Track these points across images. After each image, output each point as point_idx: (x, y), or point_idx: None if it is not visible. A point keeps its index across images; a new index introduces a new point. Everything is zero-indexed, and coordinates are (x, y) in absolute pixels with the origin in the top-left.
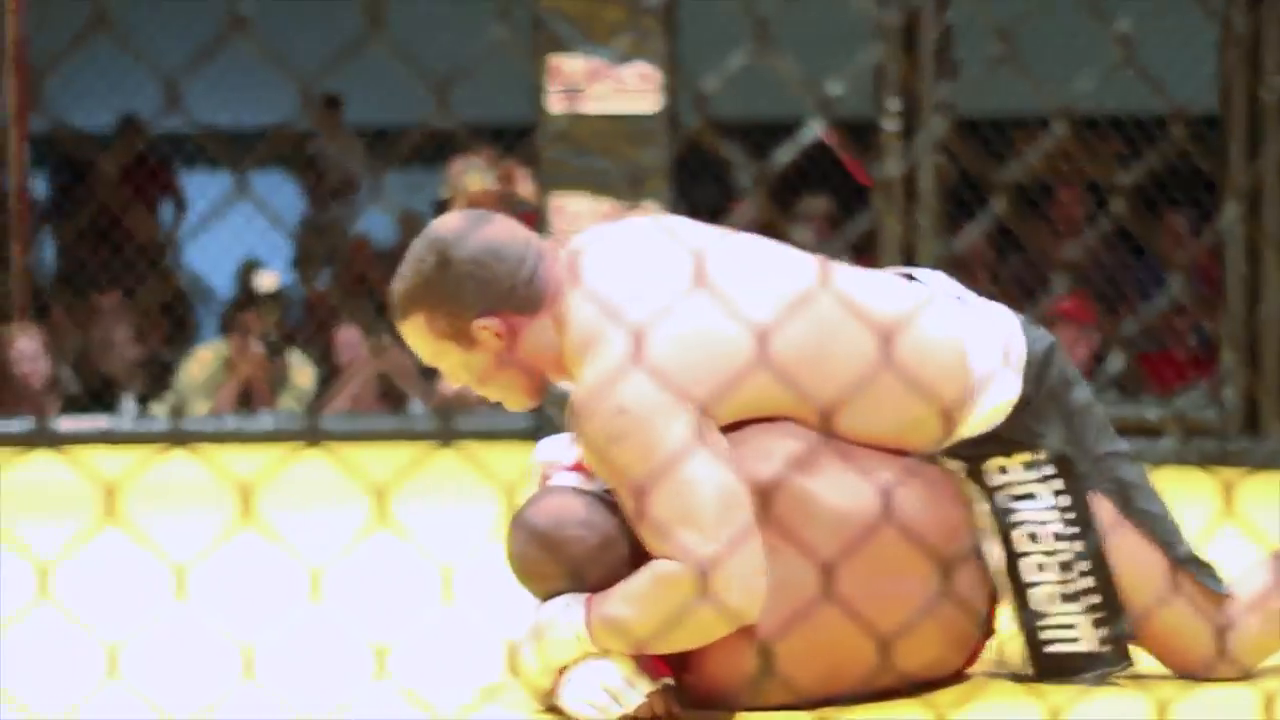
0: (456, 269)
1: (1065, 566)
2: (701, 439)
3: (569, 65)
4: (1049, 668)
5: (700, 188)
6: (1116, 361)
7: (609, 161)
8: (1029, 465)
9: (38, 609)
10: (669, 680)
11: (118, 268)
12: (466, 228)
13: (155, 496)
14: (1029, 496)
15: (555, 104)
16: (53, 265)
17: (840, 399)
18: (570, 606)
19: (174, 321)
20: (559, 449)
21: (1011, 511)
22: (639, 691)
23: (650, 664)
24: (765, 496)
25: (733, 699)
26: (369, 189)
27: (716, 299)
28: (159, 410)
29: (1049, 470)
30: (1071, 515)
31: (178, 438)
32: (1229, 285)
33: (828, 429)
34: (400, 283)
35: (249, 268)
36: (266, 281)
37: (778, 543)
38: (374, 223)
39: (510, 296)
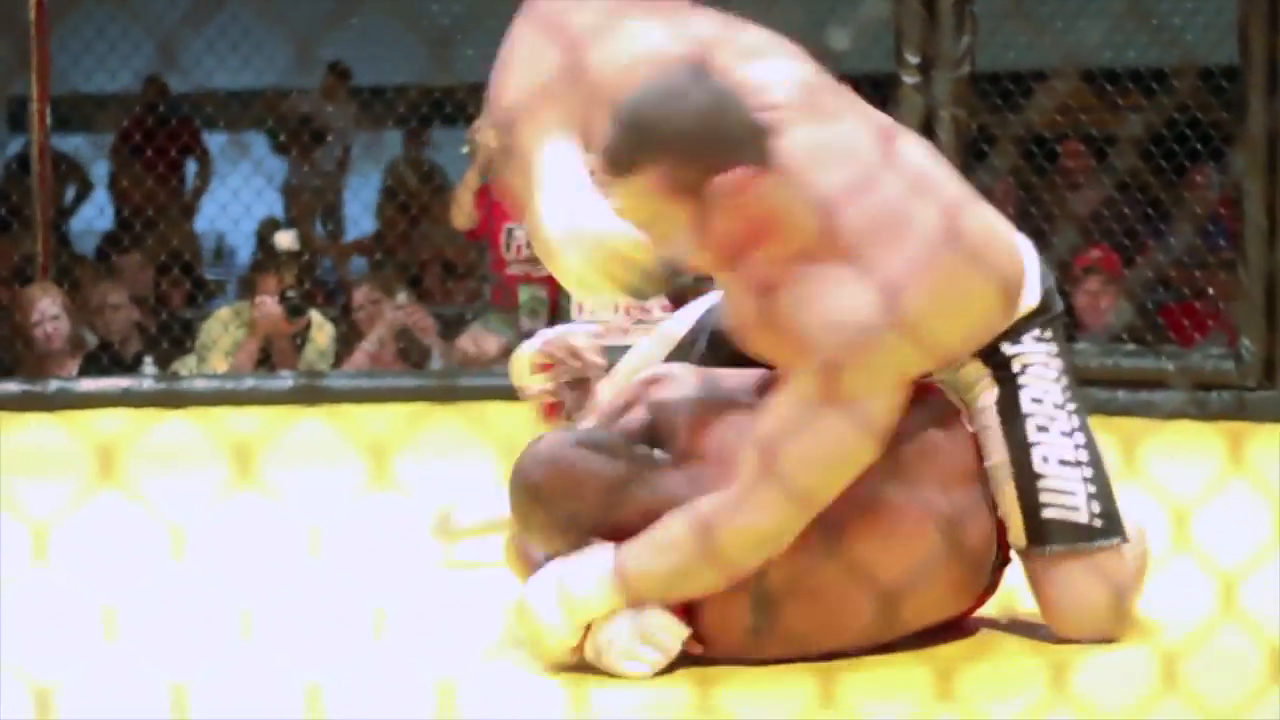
0: (705, 115)
1: (1065, 434)
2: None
3: None
4: (1044, 535)
5: None
6: (1129, 311)
7: None
8: (1038, 339)
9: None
10: (689, 629)
11: (140, 228)
12: (698, 73)
13: (172, 456)
14: (1039, 364)
15: None
16: (87, 225)
17: (906, 279)
18: (595, 558)
19: (195, 281)
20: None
21: (1019, 384)
22: (677, 636)
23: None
24: None
25: (732, 650)
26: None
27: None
28: (180, 370)
29: (1053, 347)
30: (1068, 389)
31: (196, 398)
32: (1246, 237)
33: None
34: (629, 131)
35: (268, 227)
36: (285, 240)
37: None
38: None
39: (753, 146)
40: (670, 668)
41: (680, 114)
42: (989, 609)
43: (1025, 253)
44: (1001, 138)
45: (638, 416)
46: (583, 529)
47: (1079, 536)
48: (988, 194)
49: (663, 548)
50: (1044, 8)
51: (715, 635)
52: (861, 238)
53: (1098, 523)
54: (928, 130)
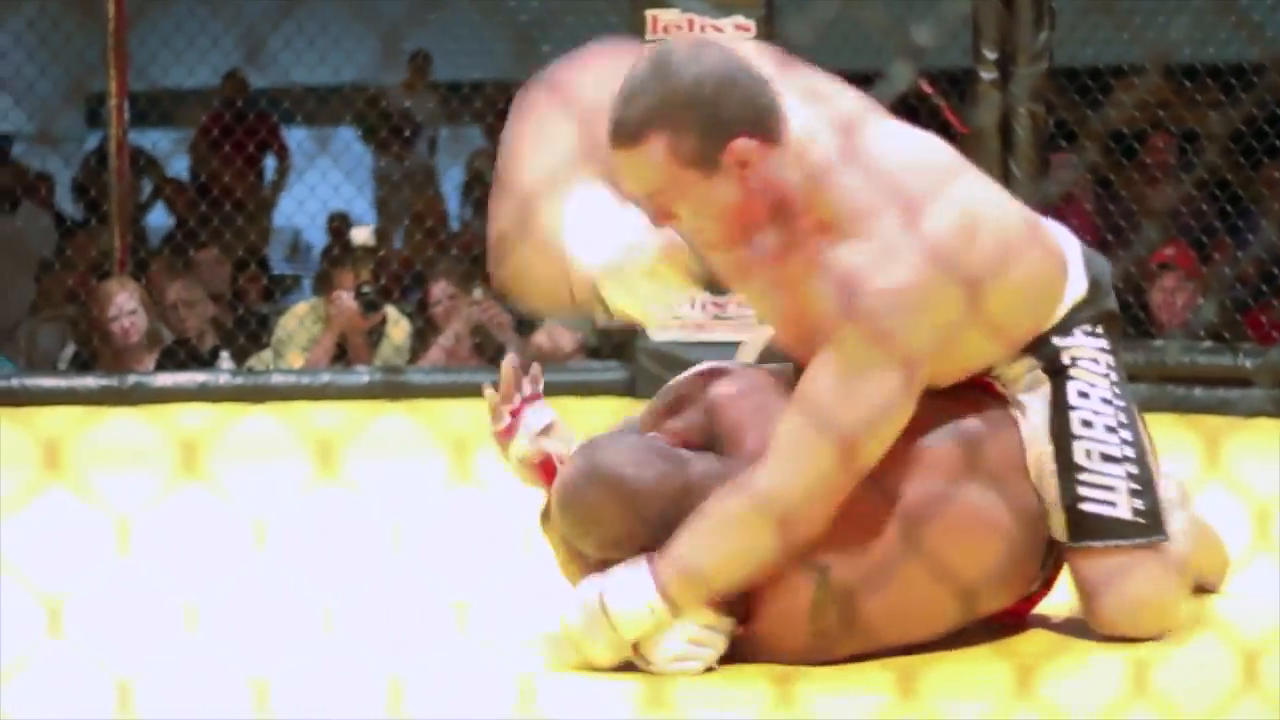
0: (711, 84)
1: (1110, 429)
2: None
3: (666, 18)
4: (1083, 529)
5: None
6: (1211, 309)
7: None
8: (1088, 334)
9: (115, 566)
10: (735, 619)
11: (218, 223)
12: (706, 45)
13: (248, 451)
14: (1089, 359)
15: None
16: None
17: (992, 275)
18: (634, 577)
19: (271, 277)
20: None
21: (1068, 377)
22: (723, 632)
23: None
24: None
25: (800, 651)
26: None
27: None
28: (256, 365)
29: (1104, 342)
30: (1117, 385)
31: (273, 393)
32: None
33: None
34: (638, 102)
35: (340, 222)
36: (361, 236)
37: (863, 498)
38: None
39: (765, 120)
40: (736, 661)
41: (688, 82)
42: (1065, 606)
43: (1065, 242)
44: (1081, 134)
45: (693, 413)
46: (639, 543)
47: (1117, 532)
48: (1066, 191)
49: (707, 535)
50: (1123, 3)
51: (778, 636)
52: (886, 210)
53: (1138, 519)
54: (1005, 126)
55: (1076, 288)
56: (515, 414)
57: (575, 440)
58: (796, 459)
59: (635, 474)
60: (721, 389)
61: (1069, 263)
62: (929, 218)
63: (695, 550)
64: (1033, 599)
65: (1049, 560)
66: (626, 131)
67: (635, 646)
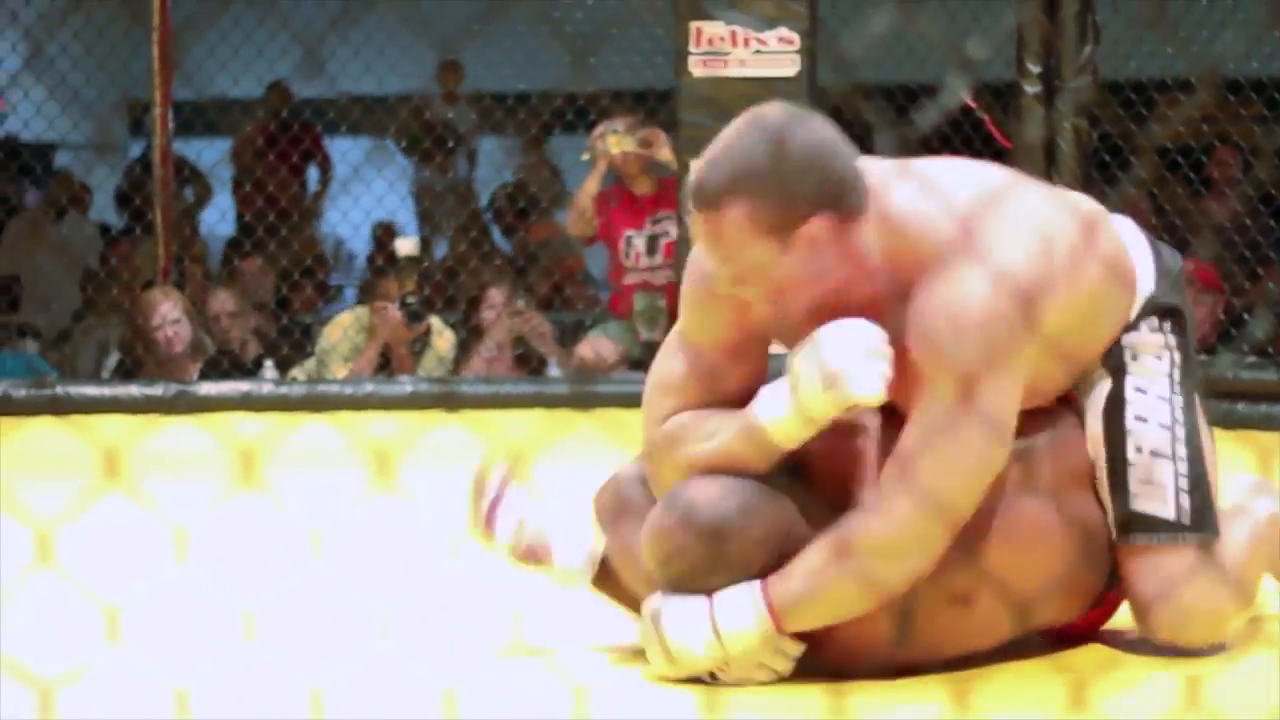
0: (798, 158)
1: (1164, 426)
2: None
3: (710, 30)
4: (1130, 525)
5: None
6: (1259, 325)
7: None
8: (1153, 330)
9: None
10: (803, 644)
11: (261, 233)
12: (800, 118)
13: (292, 460)
14: (1153, 355)
15: (697, 68)
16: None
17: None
18: (747, 598)
19: (316, 286)
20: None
21: (1127, 372)
22: (789, 654)
23: None
24: None
25: (872, 661)
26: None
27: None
28: (299, 375)
29: (1169, 339)
30: (1179, 384)
31: (316, 403)
32: None
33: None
34: (722, 166)
35: (385, 232)
36: (405, 246)
37: None
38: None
39: (844, 196)
40: (802, 675)
41: (774, 153)
42: (1122, 621)
43: (1134, 243)
44: (1128, 149)
45: None
46: (751, 569)
47: (1163, 529)
48: (1111, 204)
49: (810, 576)
50: (1169, 17)
51: (852, 646)
52: (967, 243)
53: (1185, 518)
54: (1049, 141)
55: (1145, 286)
56: (490, 514)
57: (557, 520)
58: (891, 523)
59: (741, 528)
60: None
61: (1137, 266)
62: (1024, 249)
63: (792, 594)
64: (1100, 612)
65: (1116, 575)
66: (709, 195)
67: None
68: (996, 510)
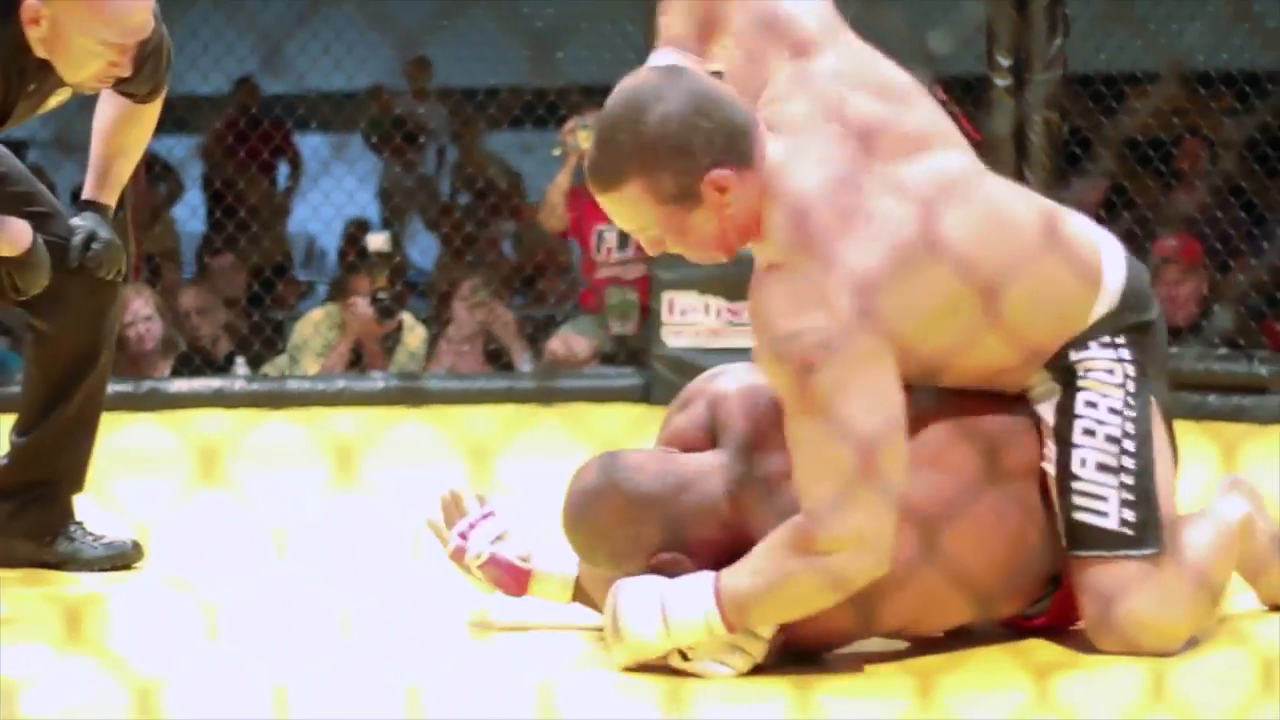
0: (679, 120)
1: (1111, 439)
2: (889, 374)
3: None
4: (1074, 538)
5: None
6: (1227, 317)
7: None
8: (1104, 345)
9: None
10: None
11: (231, 230)
12: (672, 80)
13: (263, 457)
14: (1104, 370)
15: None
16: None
17: (1005, 280)
18: (698, 589)
19: (286, 283)
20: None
21: (1078, 387)
22: (762, 639)
23: None
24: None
25: (837, 642)
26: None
27: (907, 198)
28: (271, 371)
29: (1123, 353)
30: (1132, 396)
31: (288, 399)
32: None
33: (989, 313)
34: (610, 150)
35: (356, 228)
36: (376, 241)
37: None
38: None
39: (734, 145)
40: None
41: (655, 122)
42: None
43: (1106, 252)
44: (1098, 142)
45: (697, 408)
46: (650, 548)
47: (1104, 543)
48: (1080, 197)
49: (755, 575)
50: (1137, 10)
51: (806, 628)
52: (828, 234)
53: (1127, 530)
54: (1019, 133)
55: (1109, 299)
56: (464, 536)
57: (538, 536)
58: (824, 520)
59: (628, 480)
60: (720, 385)
61: (1104, 273)
62: (876, 248)
63: (765, 587)
64: (1063, 608)
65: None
66: (603, 177)
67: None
68: (953, 497)
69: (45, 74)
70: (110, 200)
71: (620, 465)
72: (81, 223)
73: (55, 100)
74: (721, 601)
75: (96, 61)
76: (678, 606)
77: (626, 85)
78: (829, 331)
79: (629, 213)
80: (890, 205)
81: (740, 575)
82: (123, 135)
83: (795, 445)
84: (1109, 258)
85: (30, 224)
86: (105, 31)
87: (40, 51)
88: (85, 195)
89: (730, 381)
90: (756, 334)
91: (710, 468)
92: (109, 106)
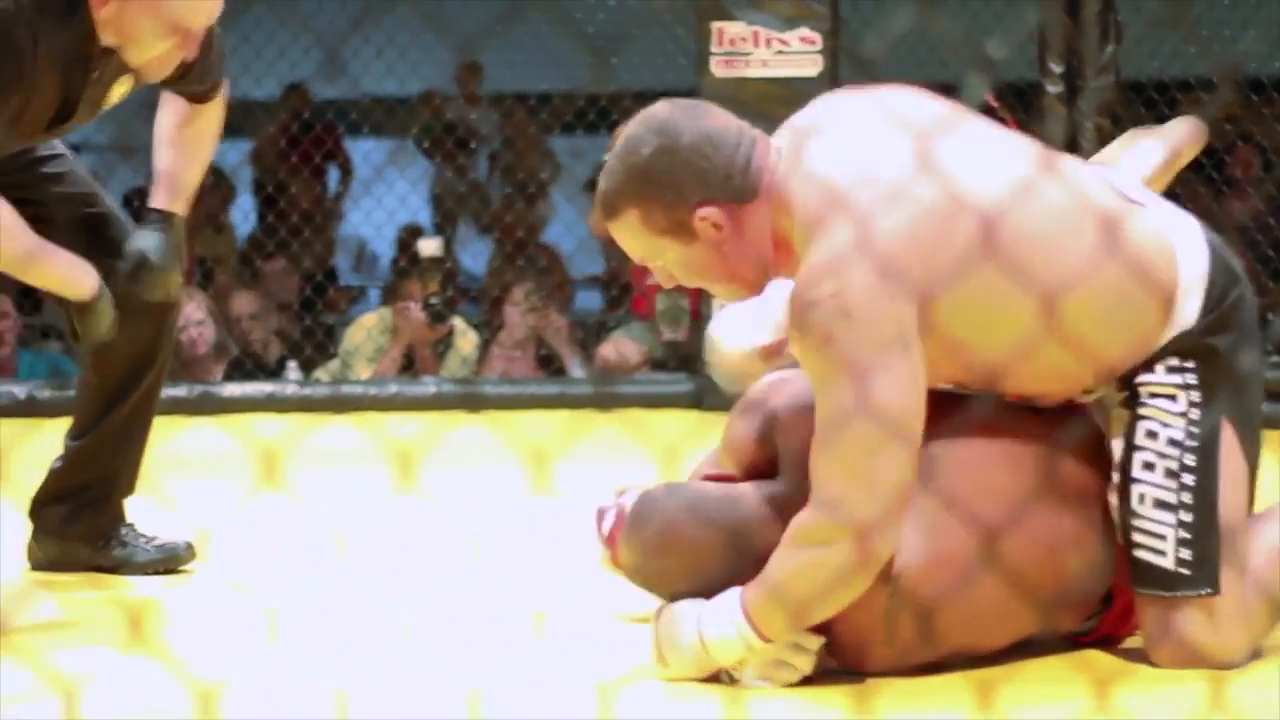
0: (673, 159)
1: (1170, 474)
2: (907, 349)
3: (731, 30)
4: (1135, 574)
5: None
6: None
7: (771, 125)
8: (1172, 369)
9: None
10: (824, 639)
11: (284, 234)
12: (678, 116)
13: (321, 461)
14: (1166, 396)
15: (718, 69)
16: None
17: (1064, 288)
18: (727, 604)
19: (338, 288)
20: (740, 325)
21: (1139, 415)
22: (809, 650)
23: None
24: (926, 464)
25: (876, 660)
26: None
27: (943, 181)
28: (322, 376)
29: (1190, 377)
30: (1195, 424)
31: (340, 404)
32: None
33: (1046, 322)
34: (610, 180)
35: (409, 234)
36: (429, 247)
37: (935, 508)
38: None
39: (728, 184)
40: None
41: (649, 157)
42: None
43: (1188, 269)
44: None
45: (754, 423)
46: (715, 587)
47: (1160, 583)
48: None
49: (769, 578)
50: (1190, 16)
51: (854, 646)
52: (857, 211)
53: (1184, 570)
54: (1071, 140)
55: (1185, 318)
56: (615, 526)
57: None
58: (832, 507)
59: (691, 535)
60: (777, 403)
61: (1180, 290)
62: (879, 223)
63: (780, 587)
64: (1124, 618)
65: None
66: (605, 205)
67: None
68: (1016, 512)
69: (108, 59)
70: (180, 209)
71: (679, 507)
72: (138, 241)
73: (118, 93)
74: (748, 612)
75: (162, 44)
76: (712, 626)
77: (642, 115)
78: (848, 300)
79: (631, 242)
80: (926, 188)
81: (758, 582)
82: (187, 139)
83: (816, 421)
84: (1186, 254)
85: (89, 225)
86: (174, 11)
87: (107, 36)
88: (153, 203)
89: (787, 397)
90: (788, 313)
91: (769, 500)
92: (168, 114)
